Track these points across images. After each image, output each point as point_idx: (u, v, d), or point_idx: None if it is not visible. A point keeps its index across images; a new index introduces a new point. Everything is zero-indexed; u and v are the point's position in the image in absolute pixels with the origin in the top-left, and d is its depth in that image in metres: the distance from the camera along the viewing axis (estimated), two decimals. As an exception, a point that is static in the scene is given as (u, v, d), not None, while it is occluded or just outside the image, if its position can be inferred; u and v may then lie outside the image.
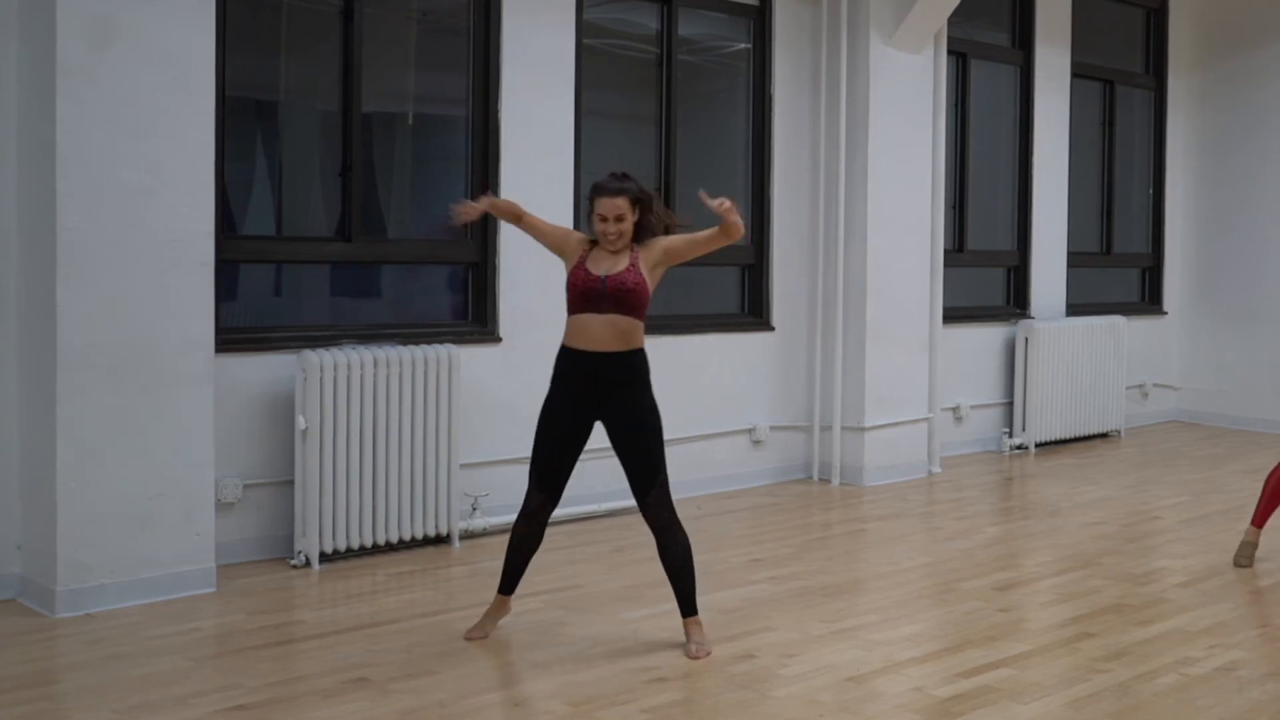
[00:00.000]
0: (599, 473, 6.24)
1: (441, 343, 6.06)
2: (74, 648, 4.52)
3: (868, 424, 7.65)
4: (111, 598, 4.93)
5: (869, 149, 7.57)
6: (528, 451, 4.63)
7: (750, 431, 7.60)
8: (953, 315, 8.48)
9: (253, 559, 5.64)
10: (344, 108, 6.02)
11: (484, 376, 6.33)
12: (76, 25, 4.79)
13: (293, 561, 5.62)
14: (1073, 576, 5.68)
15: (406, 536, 5.88)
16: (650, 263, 4.54)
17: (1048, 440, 9.11)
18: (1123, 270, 10.45)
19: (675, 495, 4.62)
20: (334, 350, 5.67)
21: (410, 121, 6.51)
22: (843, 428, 7.70)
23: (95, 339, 4.87)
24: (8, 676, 4.19)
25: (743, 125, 7.69)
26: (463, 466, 6.11)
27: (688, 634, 4.57)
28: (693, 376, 7.25)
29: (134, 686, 4.12)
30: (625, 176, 4.57)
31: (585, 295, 4.47)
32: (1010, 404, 9.06)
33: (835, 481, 7.68)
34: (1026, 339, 8.92)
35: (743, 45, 7.72)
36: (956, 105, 8.68)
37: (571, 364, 4.51)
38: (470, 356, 6.24)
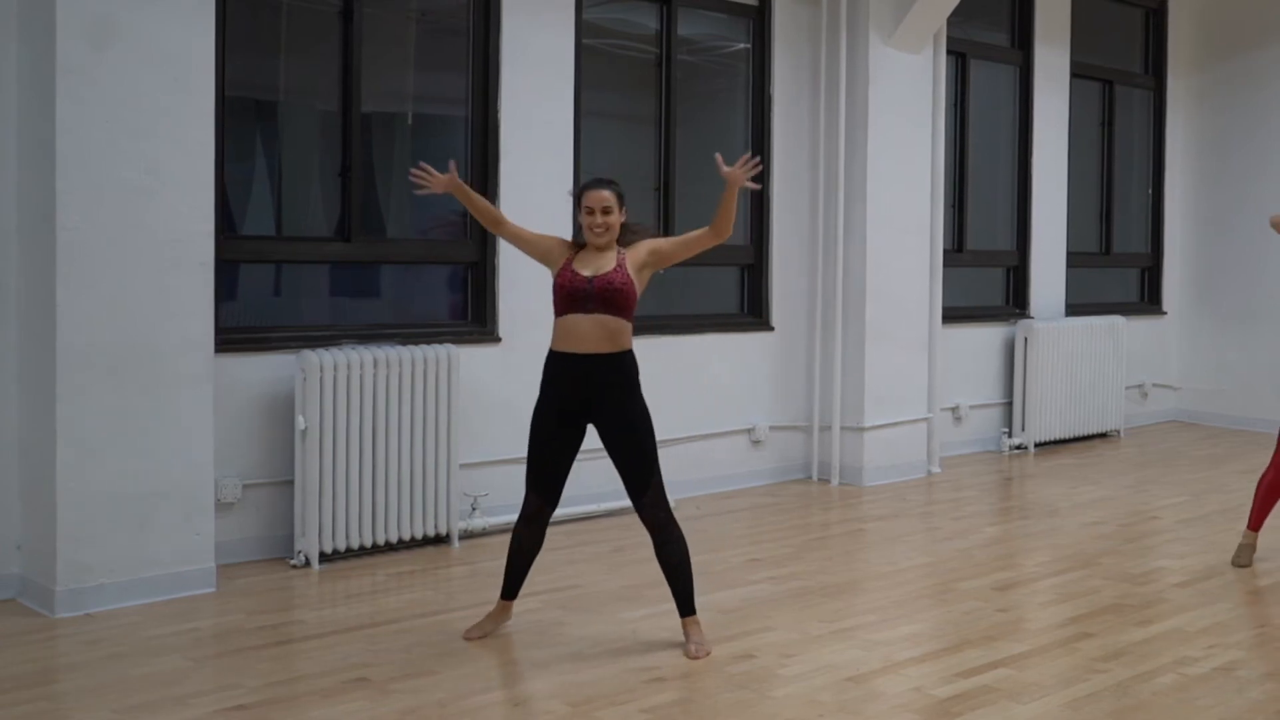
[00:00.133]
0: (597, 473, 6.22)
1: (441, 343, 6.06)
2: (74, 648, 4.52)
3: (867, 424, 7.65)
4: (111, 598, 4.94)
5: (868, 149, 7.57)
6: (526, 451, 4.63)
7: (749, 431, 7.60)
8: (952, 315, 8.49)
9: (252, 559, 5.64)
10: (343, 108, 6.02)
11: (483, 376, 6.33)
12: (76, 25, 4.79)
13: (292, 561, 5.62)
14: (1072, 576, 5.69)
15: (406, 536, 5.88)
16: (637, 264, 4.54)
17: (1047, 440, 9.12)
18: (1122, 270, 10.46)
19: (674, 495, 4.63)
20: (334, 350, 5.67)
21: (410, 122, 6.51)
22: (842, 428, 7.71)
23: (95, 339, 4.88)
24: (8, 676, 4.19)
25: (742, 125, 7.69)
26: (462, 466, 6.12)
27: (687, 634, 4.57)
28: (692, 376, 7.26)
29: (134, 686, 4.13)
30: (611, 181, 4.61)
31: (572, 296, 4.46)
32: (1009, 404, 9.07)
33: (834, 481, 7.69)
34: (1026, 339, 8.93)
35: (742, 45, 7.73)
36: (956, 105, 8.68)
37: (561, 368, 4.51)
38: (470, 356, 6.24)
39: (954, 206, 8.72)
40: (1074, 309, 9.54)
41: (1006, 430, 8.98)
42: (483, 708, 4.02)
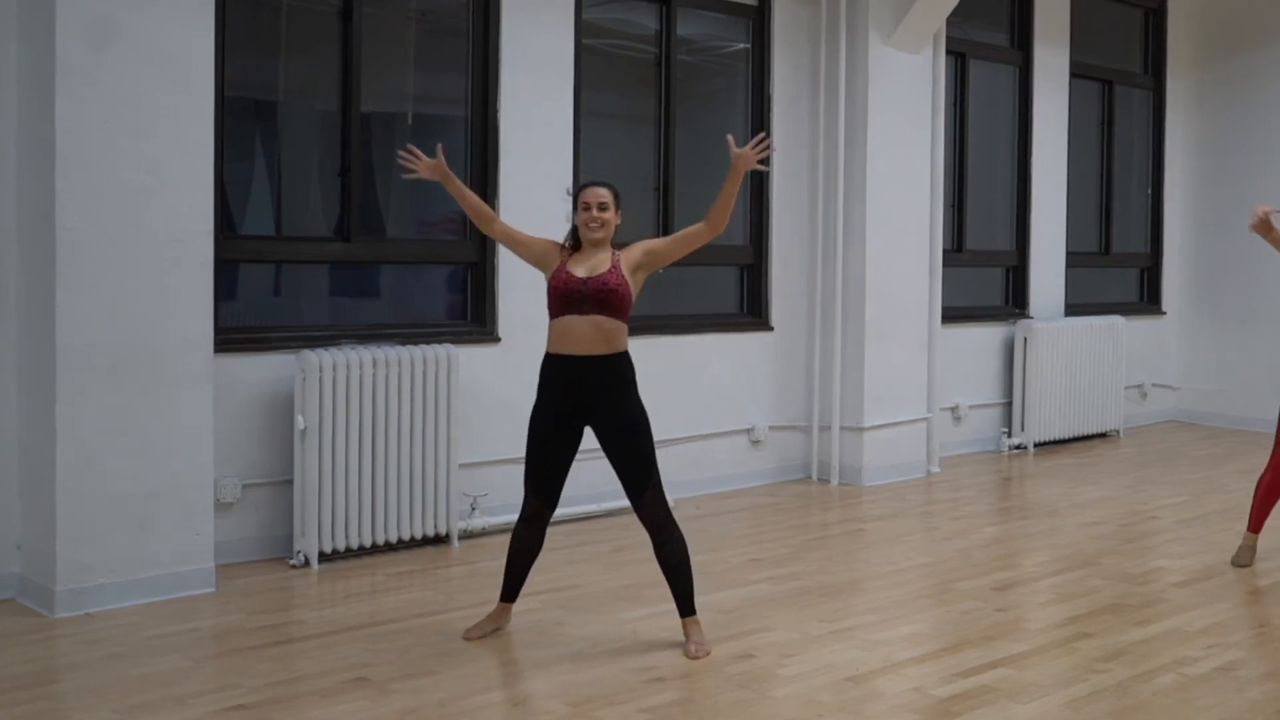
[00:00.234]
0: (597, 473, 6.21)
1: (440, 343, 6.06)
2: (73, 647, 4.52)
3: (866, 424, 7.65)
4: (111, 598, 4.94)
5: (868, 149, 7.57)
6: (525, 453, 4.63)
7: (749, 431, 7.60)
8: (952, 315, 8.49)
9: (252, 559, 5.64)
10: (343, 108, 6.02)
11: (483, 376, 6.33)
12: (76, 25, 4.79)
13: (292, 561, 5.62)
14: (1071, 576, 5.69)
15: (406, 536, 5.88)
16: (631, 265, 4.54)
17: (1046, 440, 9.12)
18: (1121, 270, 10.46)
19: (674, 496, 4.63)
20: (333, 350, 5.67)
21: (409, 122, 6.51)
22: (841, 428, 7.71)
23: (95, 339, 4.88)
24: (7, 676, 4.19)
25: (741, 125, 7.68)
26: (462, 466, 6.12)
27: (686, 634, 4.57)
28: (692, 376, 7.26)
29: (133, 686, 4.13)
30: (609, 183, 4.63)
31: (567, 297, 4.46)
32: (1009, 404, 9.07)
33: (834, 481, 7.69)
34: (1025, 339, 8.93)
35: (742, 45, 7.73)
36: (955, 105, 8.68)
37: (556, 370, 4.51)
38: (469, 356, 6.24)
39: (953, 206, 8.72)
40: (1073, 309, 9.55)
41: (1006, 430, 8.98)
42: (483, 708, 4.02)
